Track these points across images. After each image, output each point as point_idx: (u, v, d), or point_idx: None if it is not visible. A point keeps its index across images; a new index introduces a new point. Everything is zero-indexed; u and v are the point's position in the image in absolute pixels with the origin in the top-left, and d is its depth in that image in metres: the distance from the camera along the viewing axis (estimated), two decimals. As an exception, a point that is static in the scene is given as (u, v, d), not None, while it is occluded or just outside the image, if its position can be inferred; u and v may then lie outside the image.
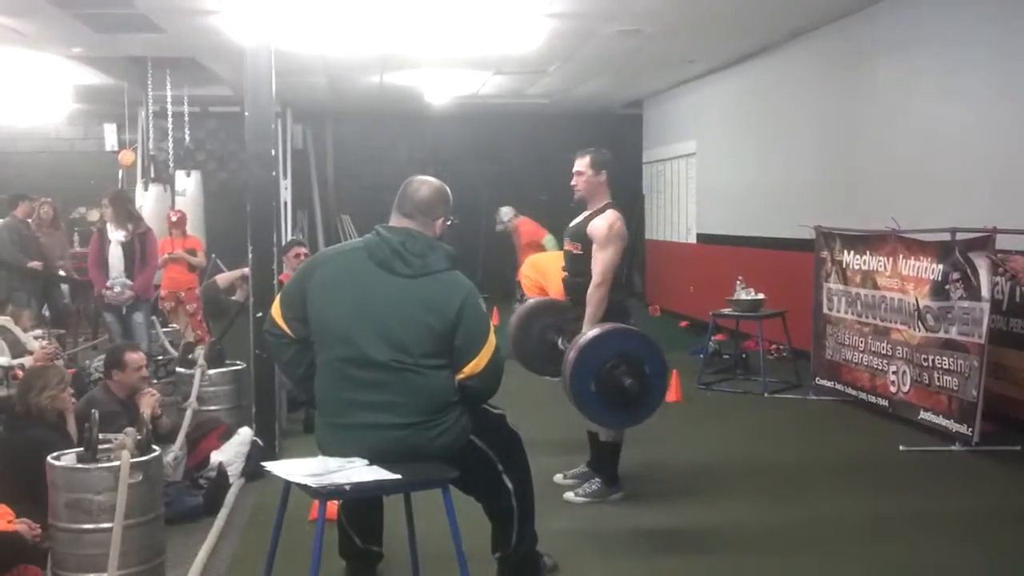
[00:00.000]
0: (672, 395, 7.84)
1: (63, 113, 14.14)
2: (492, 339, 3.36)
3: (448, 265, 3.35)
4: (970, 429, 6.35)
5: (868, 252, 7.55)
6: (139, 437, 4.08)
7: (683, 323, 12.55)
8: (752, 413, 7.76)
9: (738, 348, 9.28)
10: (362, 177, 14.99)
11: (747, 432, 7.09)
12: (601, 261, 4.88)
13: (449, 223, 3.52)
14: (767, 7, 8.53)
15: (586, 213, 5.08)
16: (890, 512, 5.16)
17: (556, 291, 6.25)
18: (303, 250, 7.88)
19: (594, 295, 4.86)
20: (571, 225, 5.18)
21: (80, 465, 4.00)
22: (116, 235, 8.37)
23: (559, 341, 5.29)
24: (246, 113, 6.29)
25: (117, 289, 8.22)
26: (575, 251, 5.07)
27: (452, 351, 3.28)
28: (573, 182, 5.10)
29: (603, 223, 4.96)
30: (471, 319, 3.29)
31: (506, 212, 11.31)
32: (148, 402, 5.14)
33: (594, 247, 4.92)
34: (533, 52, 10.11)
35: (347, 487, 3.10)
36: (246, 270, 6.47)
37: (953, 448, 6.38)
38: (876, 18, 8.56)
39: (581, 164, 5.07)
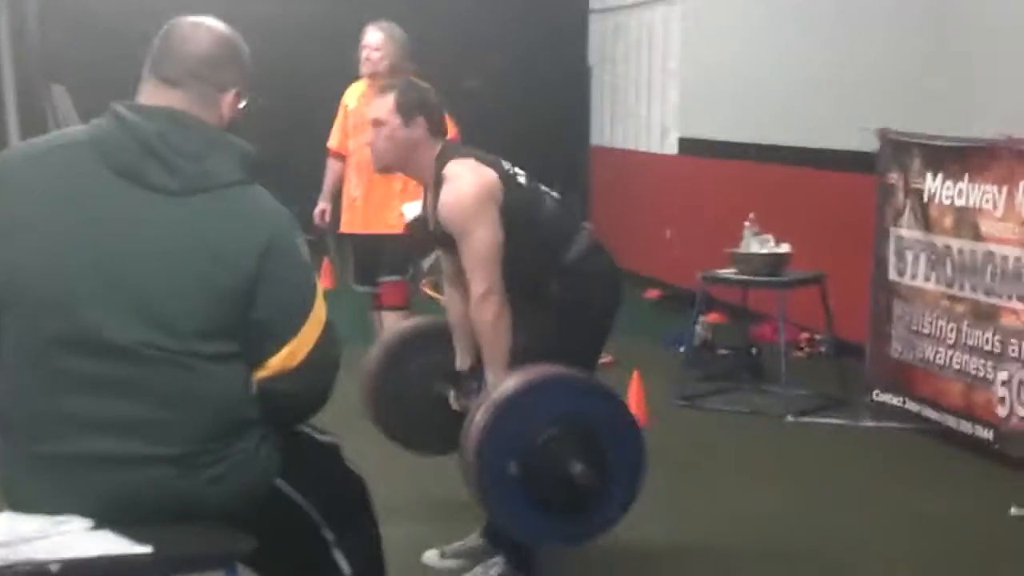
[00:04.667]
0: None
1: None
2: (320, 310, 2.80)
3: (242, 175, 2.78)
4: None
5: (967, 176, 6.14)
6: None
7: (651, 292, 11.15)
8: (766, 450, 6.33)
9: (745, 338, 7.71)
10: (89, 25, 11.70)
11: (758, 483, 5.80)
12: (472, 256, 4.21)
13: (245, 102, 2.94)
14: None
15: (427, 197, 4.49)
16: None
17: None
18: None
19: (482, 317, 4.20)
20: (429, 230, 4.53)
21: None
22: None
23: (451, 396, 4.68)
24: None
25: None
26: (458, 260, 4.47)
27: (249, 329, 2.71)
28: (371, 137, 4.48)
29: (448, 204, 4.24)
30: (283, 272, 2.73)
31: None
32: None
33: (458, 242, 4.28)
34: None
35: (54, 568, 2.63)
36: None
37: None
38: None
39: (382, 109, 4.34)
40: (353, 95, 6.79)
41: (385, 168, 4.58)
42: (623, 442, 4.01)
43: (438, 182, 4.33)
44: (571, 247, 4.37)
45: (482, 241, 4.21)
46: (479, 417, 3.97)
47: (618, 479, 3.99)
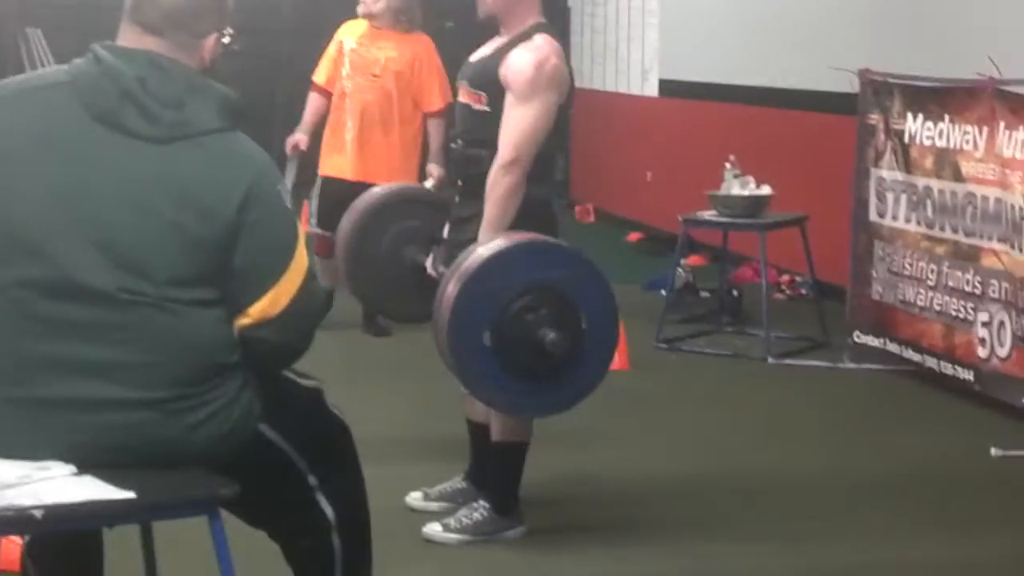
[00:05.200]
0: (615, 360, 6.40)
1: None
2: (301, 257, 2.83)
3: (222, 123, 2.77)
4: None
5: (948, 117, 6.27)
6: None
7: (632, 235, 11.29)
8: (747, 392, 6.45)
9: (726, 280, 7.74)
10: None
11: (738, 425, 5.91)
12: (518, 124, 4.19)
13: (227, 40, 2.92)
14: None
15: (499, 41, 4.39)
16: (978, 558, 4.45)
17: None
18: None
19: (500, 182, 4.20)
20: (471, 60, 4.50)
21: None
22: None
23: (429, 262, 4.65)
24: None
25: None
26: (476, 105, 4.39)
27: (228, 277, 2.74)
28: None
29: (527, 59, 4.24)
30: (264, 221, 2.75)
31: None
32: None
33: (508, 99, 4.21)
34: None
35: (37, 513, 2.63)
36: None
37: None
38: None
39: None
40: (352, 33, 6.54)
41: (487, 12, 4.47)
42: (598, 309, 4.00)
43: (519, 40, 4.27)
44: (543, 185, 4.35)
45: (537, 117, 4.18)
46: (451, 288, 3.99)
47: (591, 348, 3.99)
